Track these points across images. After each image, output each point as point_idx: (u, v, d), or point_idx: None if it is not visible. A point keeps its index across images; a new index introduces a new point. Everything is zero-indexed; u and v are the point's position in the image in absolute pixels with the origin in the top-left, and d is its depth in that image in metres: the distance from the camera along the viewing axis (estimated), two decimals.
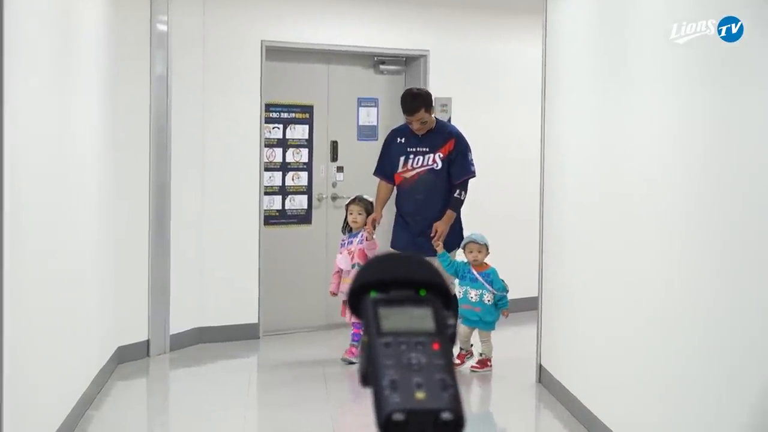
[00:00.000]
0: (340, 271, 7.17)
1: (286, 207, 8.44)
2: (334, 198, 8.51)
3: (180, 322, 7.57)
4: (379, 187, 7.15)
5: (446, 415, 0.95)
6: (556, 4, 6.56)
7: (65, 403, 5.29)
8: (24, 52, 4.28)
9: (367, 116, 8.60)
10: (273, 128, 8.33)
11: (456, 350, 6.72)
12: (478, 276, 6.87)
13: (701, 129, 4.09)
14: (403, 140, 6.99)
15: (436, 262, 6.55)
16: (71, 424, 5.34)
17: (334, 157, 8.57)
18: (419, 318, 1.05)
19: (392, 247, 7.02)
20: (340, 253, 7.20)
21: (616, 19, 5.31)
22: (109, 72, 6.69)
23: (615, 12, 5.35)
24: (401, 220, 7.05)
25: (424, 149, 6.91)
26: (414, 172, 6.93)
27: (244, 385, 6.98)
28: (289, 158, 8.44)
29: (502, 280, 6.93)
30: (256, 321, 8.08)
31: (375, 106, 8.71)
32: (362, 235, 7.08)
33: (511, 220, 8.95)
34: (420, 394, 0.96)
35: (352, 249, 7.12)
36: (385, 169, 7.09)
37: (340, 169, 8.56)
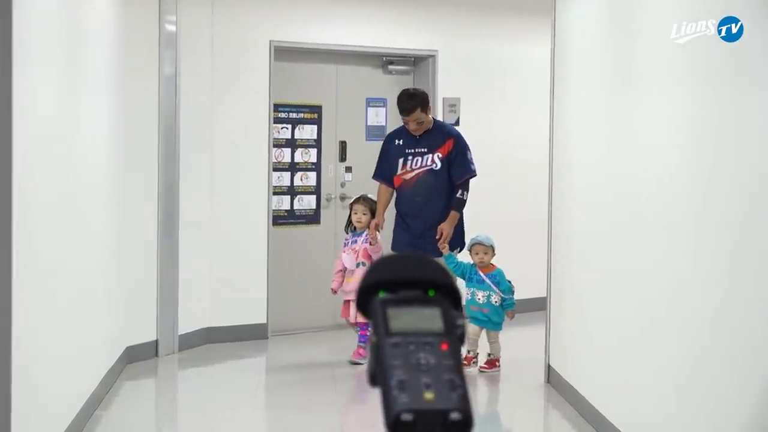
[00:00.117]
0: (342, 270, 7.16)
1: (295, 207, 8.45)
2: (342, 198, 8.51)
3: (188, 323, 7.59)
4: (379, 191, 7.12)
5: (455, 416, 0.95)
6: (565, 4, 6.55)
7: (74, 403, 5.30)
8: (32, 52, 4.28)
9: (376, 116, 8.60)
10: (281, 128, 8.34)
11: (463, 352, 6.70)
12: (485, 277, 6.88)
13: (709, 129, 4.09)
14: (400, 142, 6.96)
15: (440, 262, 6.52)
16: (80, 424, 5.35)
17: (343, 158, 8.58)
18: (428, 318, 1.05)
19: (393, 248, 6.99)
20: (344, 252, 7.18)
21: (625, 19, 5.30)
22: (118, 72, 6.71)
23: (624, 11, 5.34)
24: (401, 222, 7.02)
25: (423, 150, 6.87)
26: (413, 173, 6.90)
27: (253, 385, 6.99)
28: (298, 158, 8.45)
29: (509, 281, 6.93)
30: (264, 321, 8.09)
31: (383, 106, 8.71)
32: (366, 235, 7.07)
33: (518, 219, 8.96)
34: (428, 395, 0.96)
35: (357, 248, 7.11)
36: (384, 172, 7.05)
37: (348, 169, 8.57)
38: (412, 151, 6.89)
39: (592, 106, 5.91)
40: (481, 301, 6.84)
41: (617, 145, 5.35)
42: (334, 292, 7.21)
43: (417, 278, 1.09)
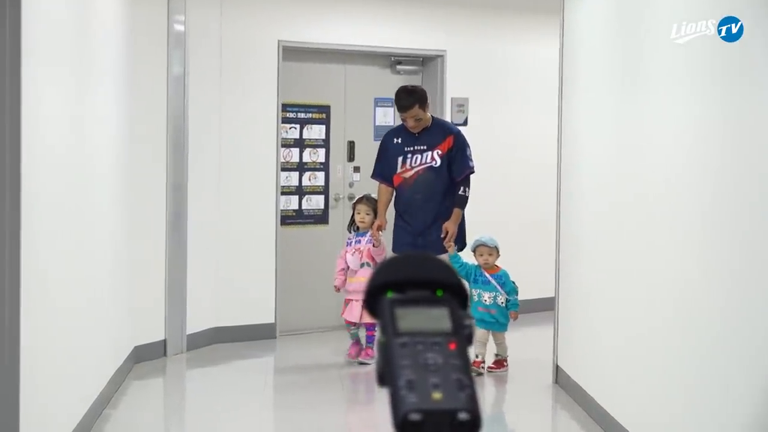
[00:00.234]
0: (344, 269, 7.16)
1: (303, 207, 8.46)
2: (350, 198, 8.51)
3: (196, 322, 7.60)
4: (379, 191, 7.08)
5: (463, 416, 0.95)
6: (573, 4, 6.56)
7: (82, 402, 5.31)
8: (41, 52, 4.30)
9: (384, 116, 8.60)
10: (290, 128, 8.36)
11: (471, 356, 6.70)
12: (490, 278, 6.87)
13: (715, 130, 4.10)
14: (399, 140, 6.91)
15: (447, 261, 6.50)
16: (88, 423, 5.36)
17: (351, 157, 8.59)
18: (436, 318, 1.05)
19: (394, 249, 6.95)
20: (347, 251, 7.17)
21: (633, 19, 5.30)
22: (127, 72, 6.73)
23: (632, 11, 5.35)
24: (401, 221, 6.97)
25: (422, 147, 6.83)
26: (413, 171, 6.85)
27: (260, 385, 7.02)
28: (306, 158, 8.46)
29: (513, 282, 6.92)
30: (272, 321, 8.10)
31: (392, 106, 8.66)
32: (369, 236, 7.07)
33: (525, 219, 8.98)
34: (436, 395, 0.96)
35: (361, 248, 7.10)
36: (383, 171, 7.01)
37: (356, 169, 8.57)
38: (412, 148, 6.85)
39: (600, 106, 5.91)
40: (488, 302, 6.83)
41: (625, 146, 5.35)
42: (338, 289, 7.20)
43: (425, 278, 1.09)
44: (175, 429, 6.21)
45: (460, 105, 8.84)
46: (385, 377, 1.01)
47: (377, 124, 8.64)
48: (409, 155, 6.84)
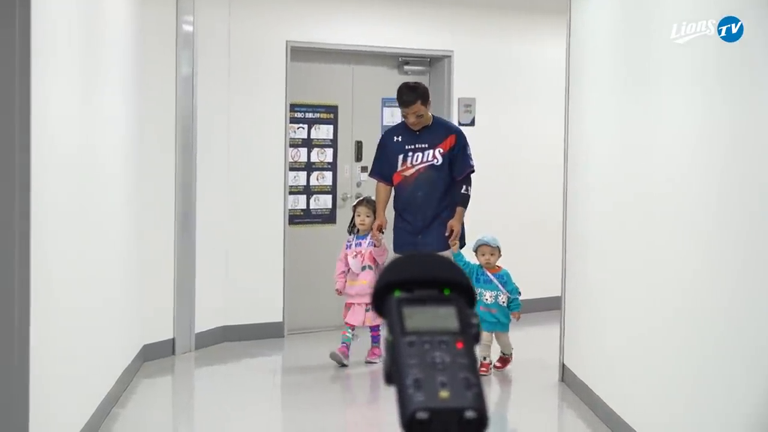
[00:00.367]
0: (345, 272, 7.11)
1: (311, 207, 8.49)
2: (358, 197, 8.53)
3: (205, 321, 7.62)
4: (378, 190, 7.03)
5: (470, 414, 0.96)
6: (579, 4, 6.56)
7: (91, 401, 5.33)
8: (51, 52, 4.31)
9: (392, 116, 8.61)
10: (298, 128, 8.38)
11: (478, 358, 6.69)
12: (492, 277, 6.85)
13: (719, 129, 4.10)
14: (399, 138, 6.85)
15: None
16: (97, 421, 5.38)
17: (359, 157, 8.61)
18: (443, 317, 1.06)
19: (395, 248, 6.89)
20: (347, 254, 7.12)
21: (639, 19, 5.31)
22: (135, 72, 6.74)
23: (638, 12, 5.35)
24: (401, 220, 6.92)
25: (423, 145, 6.78)
26: (414, 169, 6.79)
27: (268, 383, 7.03)
28: (314, 158, 8.49)
29: (514, 283, 6.91)
30: (280, 320, 8.12)
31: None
32: (370, 239, 7.04)
33: (532, 219, 8.99)
34: (444, 393, 0.97)
35: (362, 250, 7.06)
36: (383, 170, 6.94)
37: (364, 169, 8.58)
38: (413, 147, 6.79)
39: (606, 106, 5.91)
40: (489, 301, 6.81)
41: (631, 145, 5.35)
42: (340, 292, 7.15)
43: (432, 277, 1.10)
44: (184, 427, 6.23)
45: (467, 105, 8.86)
46: (392, 376, 1.01)
47: (385, 124, 8.65)
48: (410, 153, 6.79)
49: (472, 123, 8.79)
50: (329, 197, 8.53)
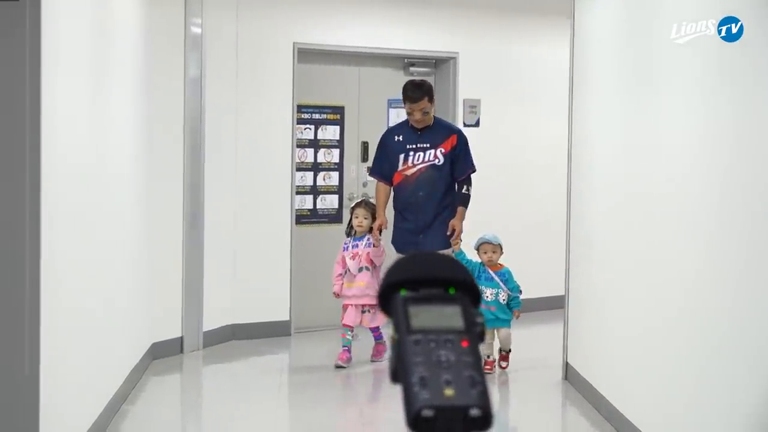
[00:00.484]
0: (342, 274, 7.09)
1: (318, 206, 8.54)
2: (364, 197, 8.58)
3: (213, 320, 7.65)
4: (378, 190, 7.00)
5: (475, 412, 0.97)
6: (583, 7, 6.58)
7: (101, 398, 5.37)
8: (60, 53, 4.33)
9: (398, 117, 8.61)
10: (305, 129, 8.43)
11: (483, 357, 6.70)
12: (493, 275, 6.86)
13: (723, 130, 4.11)
14: (400, 138, 6.83)
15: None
16: (107, 418, 5.41)
17: (365, 158, 8.64)
18: (448, 316, 1.07)
19: (396, 247, 6.86)
20: (345, 255, 7.11)
21: (642, 21, 5.32)
22: (144, 73, 6.77)
23: (641, 14, 5.36)
24: (401, 218, 6.89)
25: (425, 145, 6.75)
26: (415, 169, 6.77)
27: (275, 381, 7.05)
28: (321, 158, 8.54)
29: (515, 281, 6.92)
30: (287, 318, 8.16)
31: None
32: (368, 239, 7.02)
33: (536, 219, 9.02)
34: (449, 391, 0.98)
35: (360, 252, 7.04)
36: (383, 169, 6.91)
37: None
38: (414, 146, 6.77)
39: (609, 106, 5.93)
40: (489, 299, 6.79)
41: (634, 146, 5.36)
42: (337, 295, 7.13)
43: (438, 276, 1.11)
44: (192, 424, 6.27)
45: (472, 106, 8.90)
46: (398, 374, 1.02)
47: (391, 125, 8.69)
48: (411, 152, 6.77)
49: (476, 124, 8.84)
50: (336, 197, 8.57)
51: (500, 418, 5.94)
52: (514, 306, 6.88)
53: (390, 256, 6.90)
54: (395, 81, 8.66)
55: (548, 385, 6.71)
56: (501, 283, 6.86)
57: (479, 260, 6.94)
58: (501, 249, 6.93)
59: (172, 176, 7.30)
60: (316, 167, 8.52)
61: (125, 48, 6.19)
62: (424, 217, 6.75)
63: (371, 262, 7.01)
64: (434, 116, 6.96)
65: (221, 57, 7.73)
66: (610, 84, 5.95)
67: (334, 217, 8.58)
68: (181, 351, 7.40)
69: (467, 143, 6.85)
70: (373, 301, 6.91)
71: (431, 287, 1.10)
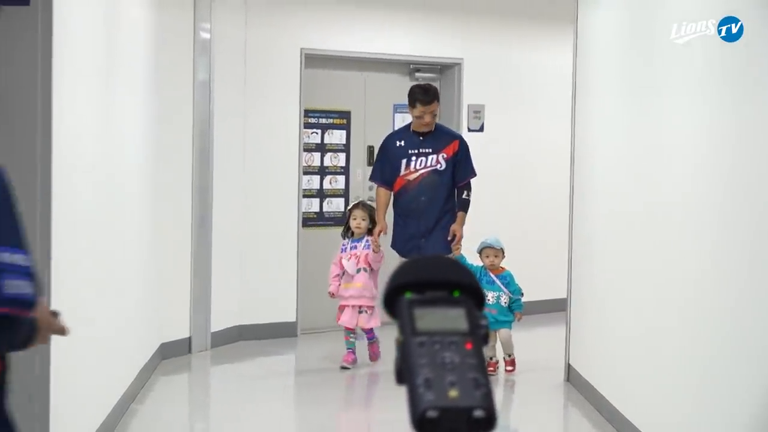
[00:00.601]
0: (339, 274, 7.09)
1: (324, 209, 8.59)
2: (370, 201, 8.61)
3: (220, 321, 7.69)
4: (378, 194, 6.98)
5: (478, 413, 0.99)
6: (586, 13, 6.60)
7: (110, 397, 5.41)
8: (72, 56, 4.36)
9: (403, 122, 8.59)
10: (311, 133, 8.48)
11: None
12: (495, 278, 6.87)
13: (726, 130, 4.11)
14: (402, 143, 6.81)
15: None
16: (116, 417, 5.46)
17: (371, 162, 8.63)
18: (453, 318, 1.09)
19: (398, 251, 6.84)
20: (343, 257, 7.10)
21: (644, 26, 5.34)
22: (154, 78, 6.82)
23: (643, 19, 5.38)
24: (401, 222, 6.86)
25: (427, 150, 6.74)
26: (417, 174, 6.74)
27: (282, 381, 7.11)
28: (327, 162, 8.59)
29: (517, 283, 6.93)
30: (293, 320, 8.20)
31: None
32: (367, 240, 7.02)
33: (538, 223, 9.05)
34: (453, 393, 1.00)
35: (358, 254, 7.04)
36: (384, 174, 6.87)
37: None
38: (416, 151, 6.75)
39: (612, 109, 5.94)
40: (490, 302, 6.78)
41: (636, 149, 5.38)
42: (332, 295, 7.12)
43: (443, 279, 1.13)
44: (200, 423, 6.32)
45: (477, 111, 8.95)
46: (403, 375, 1.04)
47: (396, 129, 8.75)
48: (414, 158, 6.75)
49: (481, 129, 8.90)
50: (342, 200, 8.60)
51: (502, 420, 5.90)
52: (515, 308, 6.89)
53: (389, 260, 6.92)
54: (401, 86, 8.68)
55: (550, 386, 6.73)
56: (502, 286, 6.87)
57: (481, 264, 6.95)
58: (503, 253, 6.94)
59: (181, 179, 7.34)
60: (322, 171, 8.58)
61: (135, 52, 6.24)
62: (426, 221, 6.73)
63: (369, 263, 7.00)
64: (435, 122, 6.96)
65: (230, 62, 7.77)
66: (613, 87, 5.96)
67: (340, 219, 8.57)
68: (189, 351, 7.43)
69: (468, 149, 6.86)
70: (370, 303, 6.96)
71: (436, 290, 1.12)
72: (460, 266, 1.16)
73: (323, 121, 8.56)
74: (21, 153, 3.92)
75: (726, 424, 4.07)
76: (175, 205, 7.31)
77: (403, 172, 6.79)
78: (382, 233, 6.90)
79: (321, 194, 8.59)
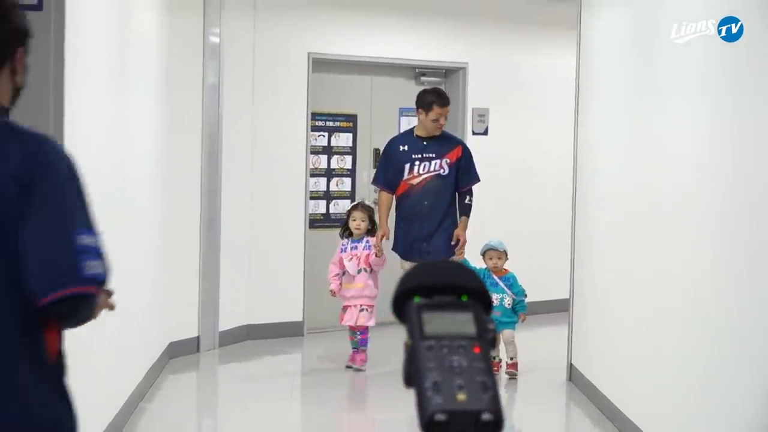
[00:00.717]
0: (339, 274, 7.10)
1: (330, 211, 8.65)
2: (375, 203, 8.66)
3: (228, 320, 7.73)
4: (380, 198, 7.00)
5: (486, 416, 1.00)
6: (590, 18, 6.64)
7: (119, 396, 5.45)
8: (84, 60, 4.40)
9: (408, 125, 8.67)
10: (318, 136, 8.54)
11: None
12: (498, 281, 6.89)
13: (728, 132, 4.12)
14: (405, 148, 6.82)
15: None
16: (125, 415, 5.50)
17: (377, 164, 8.72)
18: (461, 322, 1.10)
19: (401, 254, 6.85)
20: (343, 257, 7.11)
21: (647, 32, 5.36)
22: (164, 81, 6.87)
23: (646, 25, 5.40)
24: (404, 225, 6.86)
25: (431, 155, 6.75)
26: (421, 178, 6.75)
27: (289, 380, 7.15)
28: (334, 165, 8.66)
29: (520, 285, 6.96)
30: (300, 319, 8.25)
31: (415, 115, 8.87)
32: (367, 241, 7.04)
33: (541, 225, 9.10)
34: (461, 396, 1.01)
35: (359, 254, 7.06)
36: (387, 178, 6.87)
37: None
38: (419, 156, 6.76)
39: (615, 113, 5.98)
40: (494, 304, 6.75)
41: (638, 152, 5.40)
42: (334, 294, 7.14)
43: (450, 284, 1.13)
44: (208, 421, 6.37)
45: (481, 115, 9.00)
46: (411, 378, 1.05)
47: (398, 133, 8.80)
48: (417, 162, 6.76)
49: (485, 132, 8.96)
50: (348, 202, 8.56)
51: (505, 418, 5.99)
52: (519, 309, 6.92)
53: (390, 263, 6.96)
54: (406, 90, 8.75)
55: (552, 386, 6.77)
56: (506, 288, 6.89)
57: (484, 266, 6.97)
58: (506, 255, 6.96)
59: (190, 181, 7.39)
60: (329, 173, 8.64)
61: (146, 56, 6.29)
62: (429, 225, 6.74)
63: (370, 264, 7.03)
64: None
65: (238, 65, 7.82)
66: (615, 91, 5.99)
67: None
68: (198, 350, 7.47)
69: (471, 154, 6.89)
70: (370, 302, 7.00)
71: (444, 294, 1.12)
72: (468, 270, 1.18)
73: (330, 124, 8.63)
74: None
75: (726, 423, 4.08)
76: (185, 206, 7.35)
77: (406, 176, 6.80)
78: (386, 237, 6.90)
79: (327, 196, 8.65)
